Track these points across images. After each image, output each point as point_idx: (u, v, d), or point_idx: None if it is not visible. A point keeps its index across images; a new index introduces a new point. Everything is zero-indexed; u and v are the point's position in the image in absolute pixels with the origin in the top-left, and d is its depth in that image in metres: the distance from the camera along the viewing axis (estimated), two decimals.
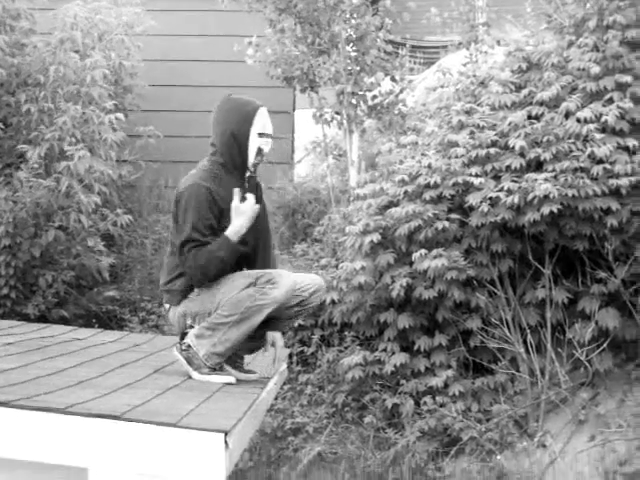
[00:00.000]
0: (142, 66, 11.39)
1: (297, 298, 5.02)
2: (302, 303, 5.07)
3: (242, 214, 4.83)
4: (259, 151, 4.98)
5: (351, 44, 10.67)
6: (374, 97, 10.62)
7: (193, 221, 4.79)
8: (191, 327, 4.94)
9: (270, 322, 5.01)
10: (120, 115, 9.95)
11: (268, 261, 5.23)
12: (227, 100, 5.05)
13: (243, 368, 5.17)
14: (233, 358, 5.05)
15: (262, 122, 4.98)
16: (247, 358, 5.33)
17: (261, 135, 4.98)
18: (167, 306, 5.09)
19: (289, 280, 4.87)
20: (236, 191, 4.83)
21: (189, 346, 4.85)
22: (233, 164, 4.98)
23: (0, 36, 9.85)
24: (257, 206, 4.88)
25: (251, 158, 4.99)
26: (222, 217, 4.89)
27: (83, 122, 9.80)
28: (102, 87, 10.10)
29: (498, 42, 9.75)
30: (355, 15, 10.54)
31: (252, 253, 5.15)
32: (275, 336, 5.18)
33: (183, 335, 4.96)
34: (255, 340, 5.09)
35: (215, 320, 4.81)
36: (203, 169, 4.98)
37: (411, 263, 8.45)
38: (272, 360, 5.31)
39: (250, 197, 4.86)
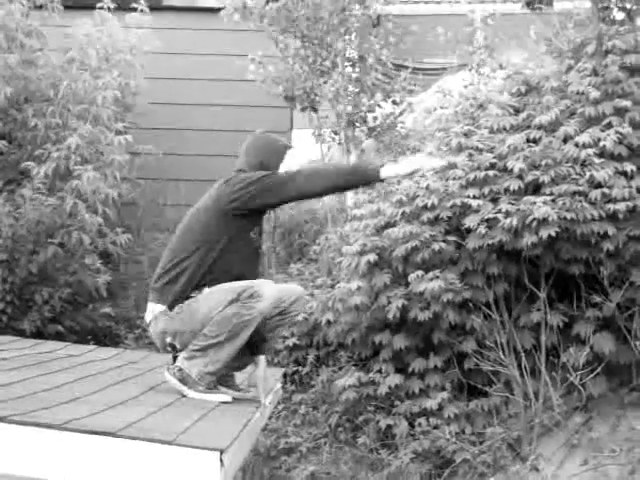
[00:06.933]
0: (144, 85, 11.39)
1: (277, 309, 5.09)
2: (283, 312, 5.14)
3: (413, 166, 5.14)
4: None
5: (352, 64, 10.71)
6: (375, 118, 10.65)
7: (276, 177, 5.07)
8: (171, 344, 5.00)
9: (254, 344, 5.07)
10: (129, 137, 9.98)
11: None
12: (261, 136, 5.37)
13: (237, 386, 5.21)
14: (224, 377, 5.09)
15: (288, 161, 5.25)
16: (239, 377, 5.34)
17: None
18: (147, 321, 5.14)
19: (272, 291, 4.97)
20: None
21: (181, 369, 4.90)
22: None
23: (11, 54, 9.87)
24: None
25: None
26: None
27: (90, 142, 9.80)
28: (109, 108, 10.11)
29: (501, 65, 9.75)
30: (358, 35, 10.59)
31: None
32: (259, 362, 5.20)
33: (174, 359, 5.02)
34: (242, 358, 5.12)
35: (203, 342, 4.87)
36: None
37: (407, 284, 8.45)
38: (260, 393, 5.24)
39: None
